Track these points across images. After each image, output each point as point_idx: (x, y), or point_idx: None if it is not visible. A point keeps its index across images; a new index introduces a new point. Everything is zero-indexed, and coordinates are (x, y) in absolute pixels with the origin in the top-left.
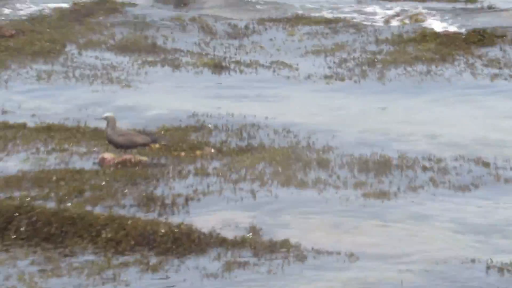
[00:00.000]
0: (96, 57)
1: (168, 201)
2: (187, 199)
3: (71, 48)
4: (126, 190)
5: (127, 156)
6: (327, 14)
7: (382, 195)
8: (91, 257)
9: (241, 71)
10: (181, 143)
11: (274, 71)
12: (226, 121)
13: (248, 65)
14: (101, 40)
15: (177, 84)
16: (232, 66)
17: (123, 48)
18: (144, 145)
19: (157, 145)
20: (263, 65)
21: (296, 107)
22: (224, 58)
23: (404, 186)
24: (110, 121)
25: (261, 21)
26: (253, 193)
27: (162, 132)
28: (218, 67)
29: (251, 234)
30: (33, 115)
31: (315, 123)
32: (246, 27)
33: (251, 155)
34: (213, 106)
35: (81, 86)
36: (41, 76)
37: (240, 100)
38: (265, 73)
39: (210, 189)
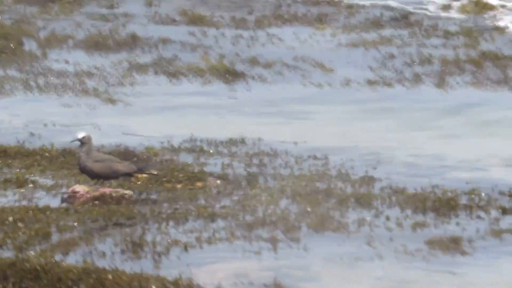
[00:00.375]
0: (66, 61)
1: (161, 248)
2: (186, 247)
3: (30, 46)
4: (106, 234)
5: (105, 190)
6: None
7: (453, 244)
8: None
9: (258, 78)
10: (176, 172)
11: (303, 76)
12: (236, 144)
13: (266, 66)
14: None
15: (173, 98)
16: (247, 69)
17: (96, 45)
18: (128, 174)
19: (144, 175)
20: (286, 64)
21: (325, 124)
22: (236, 55)
23: (482, 231)
24: (85, 142)
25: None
26: (274, 240)
27: (152, 159)
28: (230, 73)
29: None
30: None
31: (350, 145)
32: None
33: (268, 188)
34: (221, 126)
35: (47, 98)
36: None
37: (255, 116)
38: (289, 77)
39: (217, 236)
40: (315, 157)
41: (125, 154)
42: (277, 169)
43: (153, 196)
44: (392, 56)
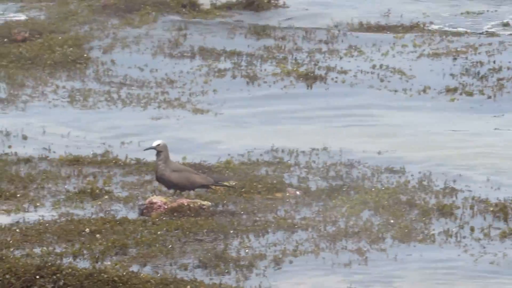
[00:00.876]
0: (140, 68)
1: (245, 262)
2: (272, 261)
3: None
4: (185, 247)
5: (183, 201)
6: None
7: None
8: None
9: (342, 81)
10: (255, 183)
11: (381, 80)
12: (311, 154)
13: (341, 72)
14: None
15: (251, 103)
16: (327, 75)
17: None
18: (205, 186)
19: (221, 188)
20: (365, 72)
21: (404, 134)
22: (315, 65)
23: None
24: (162, 150)
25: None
26: (360, 252)
27: (226, 171)
28: (310, 78)
29: None
30: (66, 146)
31: (429, 156)
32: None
33: (348, 199)
34: (295, 135)
35: (130, 111)
36: (74, 97)
37: (328, 124)
38: (365, 85)
39: (300, 248)
40: (392, 170)
41: (199, 167)
42: (356, 180)
43: (231, 207)
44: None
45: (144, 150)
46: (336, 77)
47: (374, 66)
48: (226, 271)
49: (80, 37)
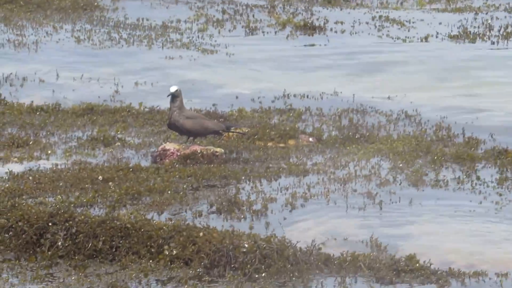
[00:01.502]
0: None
1: (257, 207)
2: (283, 205)
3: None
4: (198, 194)
5: (196, 147)
6: None
7: None
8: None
9: (342, 31)
10: (268, 130)
11: (379, 30)
12: (321, 101)
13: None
14: None
15: (253, 52)
16: (326, 25)
17: None
18: (217, 132)
19: (234, 133)
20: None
21: (415, 79)
22: (311, 16)
23: None
24: (177, 96)
25: None
26: (370, 195)
27: (236, 117)
28: (309, 28)
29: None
30: (73, 90)
31: (445, 105)
32: None
33: (361, 146)
34: (303, 82)
35: (137, 50)
36: (79, 38)
37: (335, 72)
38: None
39: (311, 192)
40: (407, 115)
41: (212, 115)
42: (370, 127)
43: (244, 154)
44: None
45: (167, 96)
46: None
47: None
48: (239, 216)
49: None
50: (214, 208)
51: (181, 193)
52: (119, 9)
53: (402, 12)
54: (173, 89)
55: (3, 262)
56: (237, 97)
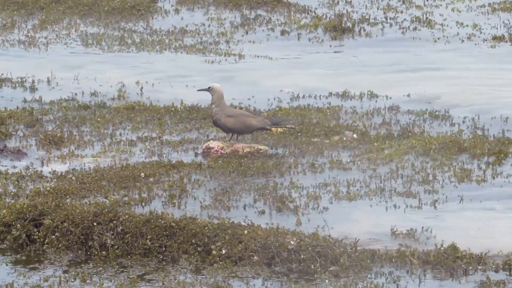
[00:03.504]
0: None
1: (301, 204)
2: (327, 201)
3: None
4: (240, 189)
5: (239, 145)
6: None
7: None
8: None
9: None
10: (312, 126)
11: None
12: (356, 101)
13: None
14: None
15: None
16: (357, 27)
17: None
18: (264, 129)
19: (279, 129)
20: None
21: (454, 79)
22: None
23: None
24: (216, 93)
25: None
26: (409, 193)
27: (278, 115)
28: (338, 29)
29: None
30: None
31: (482, 102)
32: None
33: (401, 142)
34: (337, 82)
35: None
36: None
37: (368, 72)
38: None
39: (355, 188)
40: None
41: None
42: (409, 125)
43: (288, 151)
44: None
45: (198, 90)
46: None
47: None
48: (284, 213)
49: None
50: (257, 205)
51: (225, 190)
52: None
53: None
54: (210, 85)
55: (69, 266)
56: (275, 98)
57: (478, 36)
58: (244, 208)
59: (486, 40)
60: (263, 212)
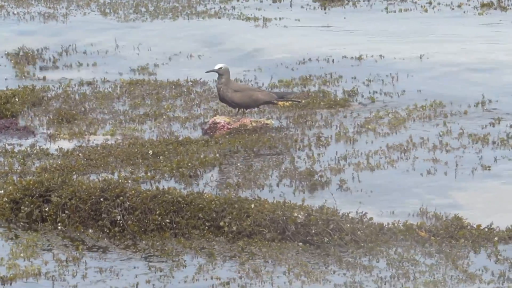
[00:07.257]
0: None
1: (306, 177)
2: (332, 174)
3: None
4: (248, 165)
5: (246, 120)
6: None
7: None
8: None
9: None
10: (318, 100)
11: None
12: (355, 67)
13: None
14: None
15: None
16: None
17: None
18: (270, 102)
19: (286, 103)
20: None
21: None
22: None
23: None
24: (223, 74)
25: None
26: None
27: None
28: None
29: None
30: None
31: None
32: None
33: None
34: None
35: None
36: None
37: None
38: None
39: (361, 159)
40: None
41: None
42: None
43: (295, 124)
44: None
45: (206, 72)
46: None
47: None
48: (290, 186)
49: None
50: (265, 179)
51: (232, 165)
52: None
53: None
54: (217, 66)
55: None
56: (277, 65)
57: None
58: (252, 182)
59: None
60: (270, 185)
